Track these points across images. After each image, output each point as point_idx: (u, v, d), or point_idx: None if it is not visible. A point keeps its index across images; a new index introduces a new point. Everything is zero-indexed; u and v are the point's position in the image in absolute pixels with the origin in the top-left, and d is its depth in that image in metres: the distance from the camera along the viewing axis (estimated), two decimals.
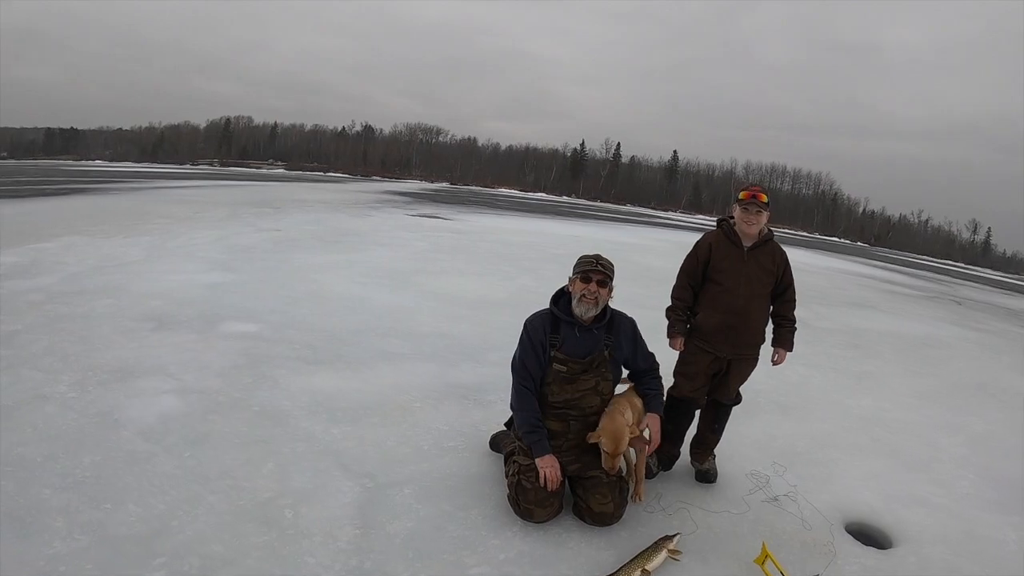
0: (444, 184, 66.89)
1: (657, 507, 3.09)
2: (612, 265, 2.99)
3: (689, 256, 3.35)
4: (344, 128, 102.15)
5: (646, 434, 3.00)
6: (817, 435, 4.29)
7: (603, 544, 2.74)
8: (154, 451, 3.05)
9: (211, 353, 4.43)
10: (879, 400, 5.32)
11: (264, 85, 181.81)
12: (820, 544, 2.93)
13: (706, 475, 3.43)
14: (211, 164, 74.45)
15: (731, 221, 3.30)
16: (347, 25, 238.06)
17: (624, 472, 3.00)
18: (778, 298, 3.36)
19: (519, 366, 2.96)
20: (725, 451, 3.63)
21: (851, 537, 3.06)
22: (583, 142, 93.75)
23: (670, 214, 59.66)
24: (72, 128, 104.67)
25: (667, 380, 3.28)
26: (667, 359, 3.31)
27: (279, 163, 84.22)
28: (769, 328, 3.39)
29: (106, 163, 58.59)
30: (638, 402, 3.03)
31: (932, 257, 59.62)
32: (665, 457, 3.45)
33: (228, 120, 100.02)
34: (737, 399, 3.48)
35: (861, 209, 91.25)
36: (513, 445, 3.05)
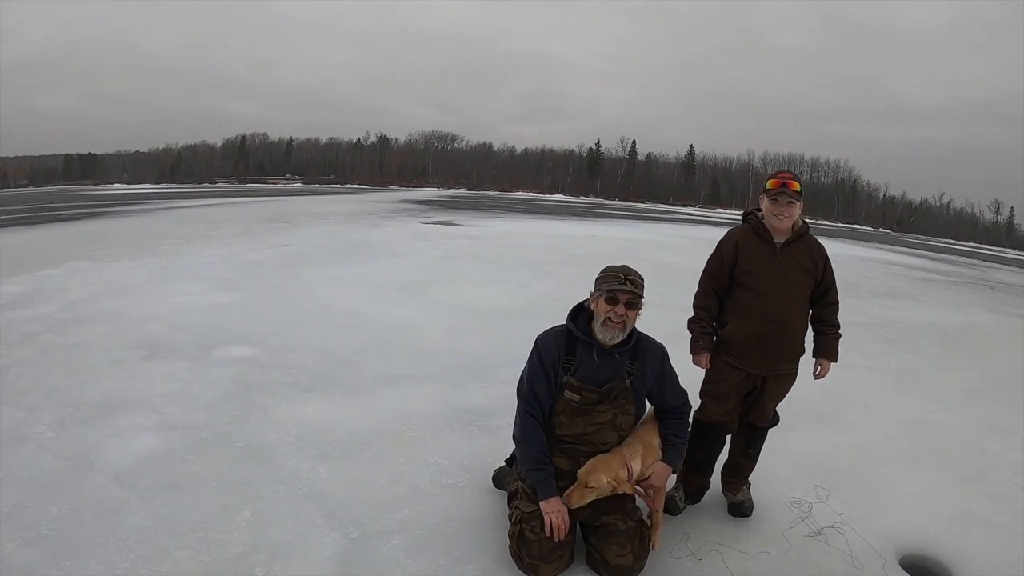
0: (461, 190, 66.77)
1: (685, 551, 2.70)
2: (642, 281, 2.53)
3: (712, 257, 2.89)
4: (359, 139, 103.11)
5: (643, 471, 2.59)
6: (861, 446, 3.91)
7: None
8: (126, 498, 2.81)
9: (201, 383, 4.20)
10: (924, 401, 4.90)
11: (279, 101, 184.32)
12: None
13: (740, 508, 2.99)
14: (229, 182, 75.56)
15: (759, 214, 2.85)
16: (359, 37, 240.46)
17: (643, 513, 2.64)
18: (819, 301, 2.89)
19: (526, 390, 2.56)
20: (760, 475, 3.21)
21: (907, 575, 2.70)
22: (598, 141, 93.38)
23: (688, 209, 58.83)
24: (90, 153, 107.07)
25: (693, 401, 2.87)
26: (692, 378, 2.92)
27: (296, 177, 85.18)
28: (808, 336, 2.93)
29: (124, 186, 59.65)
30: (656, 442, 2.62)
31: (956, 240, 58.04)
32: (693, 489, 3.02)
33: (244, 137, 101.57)
34: (774, 420, 3.04)
35: (882, 195, 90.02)
36: (516, 485, 2.66)
